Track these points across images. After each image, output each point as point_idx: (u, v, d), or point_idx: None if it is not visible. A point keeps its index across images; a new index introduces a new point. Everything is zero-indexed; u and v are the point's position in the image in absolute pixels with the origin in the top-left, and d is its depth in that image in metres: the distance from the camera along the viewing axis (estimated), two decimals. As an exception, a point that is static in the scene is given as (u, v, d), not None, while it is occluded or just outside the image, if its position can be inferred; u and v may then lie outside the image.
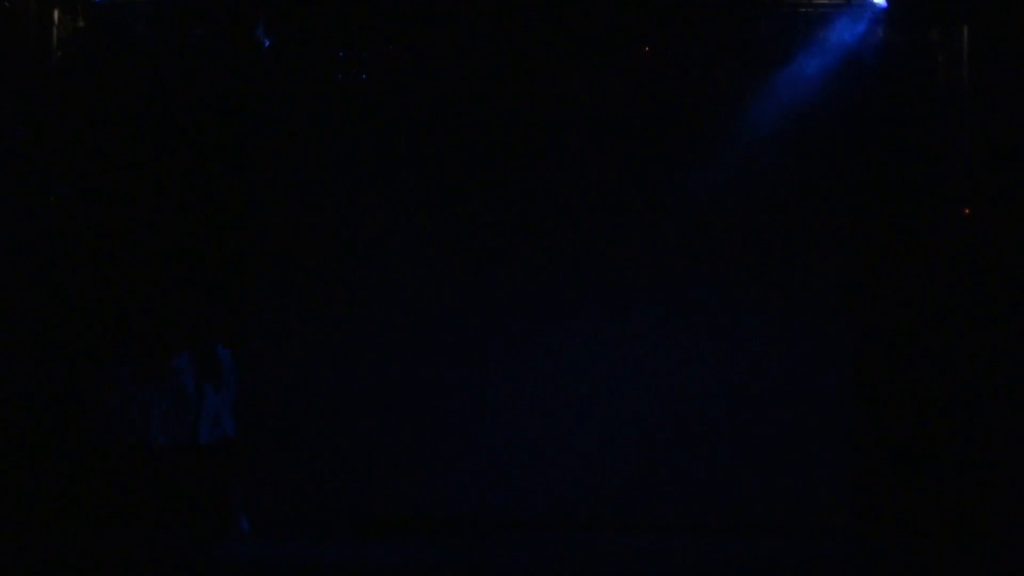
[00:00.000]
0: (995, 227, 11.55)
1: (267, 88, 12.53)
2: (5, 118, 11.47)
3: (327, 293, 12.94)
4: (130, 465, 12.10)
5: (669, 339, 12.69)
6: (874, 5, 11.76)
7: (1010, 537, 11.06)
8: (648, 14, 11.90)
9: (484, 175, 12.93)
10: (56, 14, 11.88)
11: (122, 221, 12.51)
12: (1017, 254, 11.48)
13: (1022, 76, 11.44)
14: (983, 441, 11.50)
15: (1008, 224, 11.50)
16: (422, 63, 12.28)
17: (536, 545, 12.00)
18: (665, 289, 12.83)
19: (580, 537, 12.31)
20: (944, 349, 11.80)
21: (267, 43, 12.03)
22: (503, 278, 12.85)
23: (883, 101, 12.13)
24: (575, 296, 12.83)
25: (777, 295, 12.78)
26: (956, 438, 11.66)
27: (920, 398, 11.93)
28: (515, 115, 12.74)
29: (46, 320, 11.86)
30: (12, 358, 11.70)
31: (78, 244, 12.19)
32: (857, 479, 12.34)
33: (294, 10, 12.04)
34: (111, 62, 12.12)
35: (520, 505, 12.72)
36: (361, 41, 12.27)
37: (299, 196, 13.01)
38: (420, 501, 12.54)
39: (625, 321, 12.83)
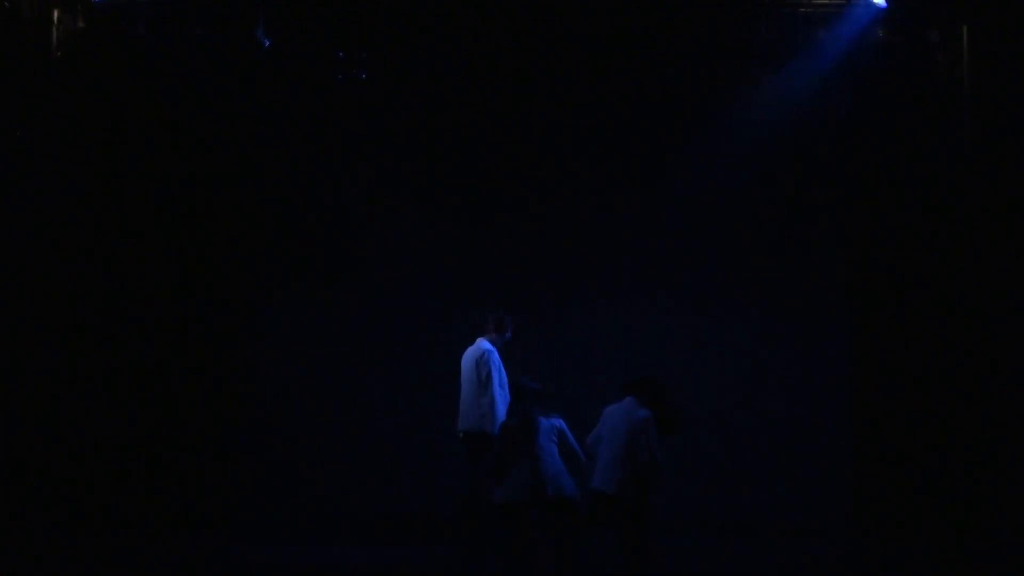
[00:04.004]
0: (995, 227, 11.54)
1: (267, 88, 12.54)
2: (5, 118, 11.47)
3: (325, 292, 12.94)
4: None
5: (667, 341, 12.68)
6: (874, 5, 11.75)
7: (1010, 537, 11.05)
8: (648, 14, 11.90)
9: (484, 175, 12.95)
10: (56, 14, 11.88)
11: (122, 221, 12.52)
12: (1017, 254, 11.47)
13: (1022, 76, 11.44)
14: (983, 443, 11.49)
15: (1008, 224, 11.49)
16: (422, 63, 12.29)
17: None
18: (663, 291, 12.83)
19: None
20: (944, 350, 11.78)
21: (267, 43, 12.04)
22: (501, 278, 12.85)
23: (883, 101, 12.12)
24: (572, 298, 12.83)
25: (776, 296, 12.78)
26: (956, 439, 11.65)
27: (920, 399, 11.92)
28: (515, 115, 12.76)
29: (46, 320, 11.85)
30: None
31: (78, 244, 12.18)
32: (857, 480, 12.33)
33: (294, 10, 12.05)
34: (111, 62, 12.13)
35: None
36: (361, 41, 12.28)
37: (299, 196, 13.02)
38: (420, 501, 12.53)
39: (624, 323, 12.83)
